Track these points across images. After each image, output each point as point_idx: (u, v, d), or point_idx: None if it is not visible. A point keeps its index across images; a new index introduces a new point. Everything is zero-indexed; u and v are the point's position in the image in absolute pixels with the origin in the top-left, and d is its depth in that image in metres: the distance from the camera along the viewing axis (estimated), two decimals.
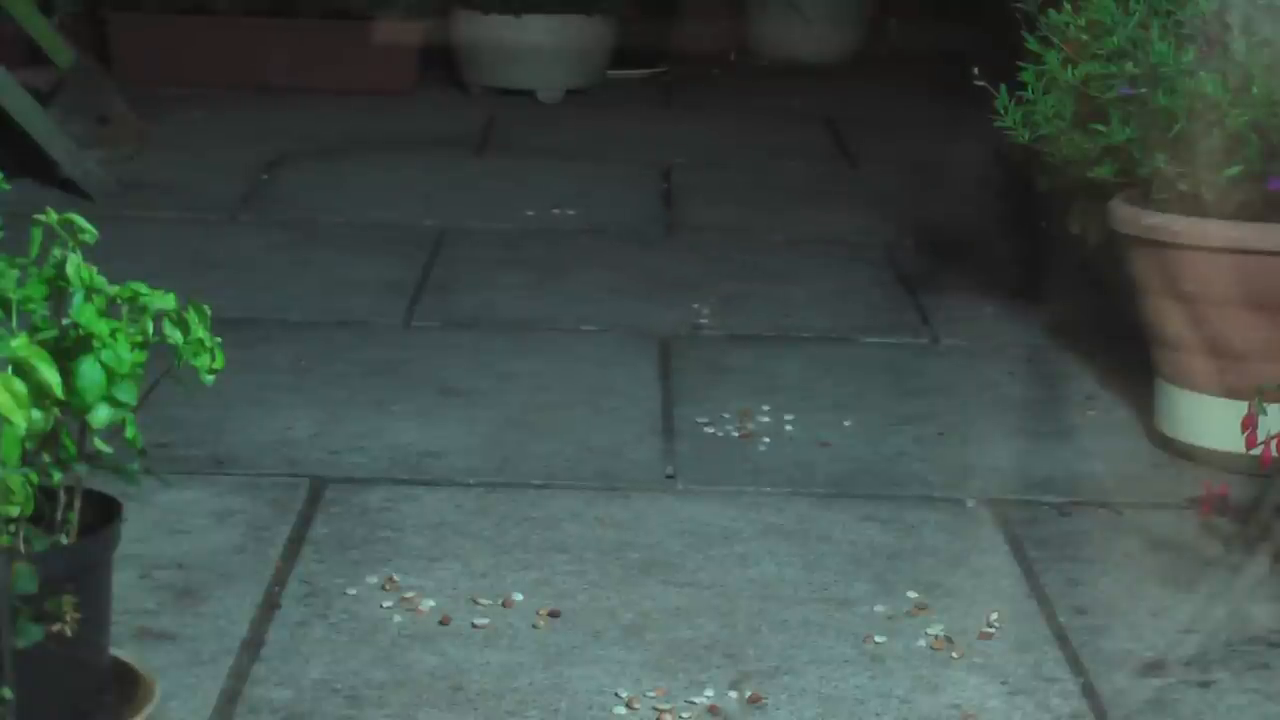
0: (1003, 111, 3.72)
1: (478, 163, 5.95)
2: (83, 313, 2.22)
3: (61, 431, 2.23)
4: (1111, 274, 3.80)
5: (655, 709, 2.53)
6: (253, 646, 2.69)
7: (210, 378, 2.30)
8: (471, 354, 4.00)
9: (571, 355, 4.03)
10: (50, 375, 2.13)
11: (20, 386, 2.08)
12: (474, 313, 4.31)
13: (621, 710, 2.53)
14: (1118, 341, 3.91)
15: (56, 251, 2.27)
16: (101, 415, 2.21)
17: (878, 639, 2.76)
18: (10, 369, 2.11)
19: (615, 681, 2.61)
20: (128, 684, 2.35)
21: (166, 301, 2.28)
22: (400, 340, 4.11)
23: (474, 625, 2.76)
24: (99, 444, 2.25)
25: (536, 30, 6.91)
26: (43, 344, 2.17)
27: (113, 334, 2.21)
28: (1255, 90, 3.39)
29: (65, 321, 2.23)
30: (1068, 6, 3.72)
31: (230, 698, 2.54)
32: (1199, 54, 3.46)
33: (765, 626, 2.79)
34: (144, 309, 2.26)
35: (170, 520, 3.09)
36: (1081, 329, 4.19)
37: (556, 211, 5.21)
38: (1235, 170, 3.39)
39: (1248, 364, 3.39)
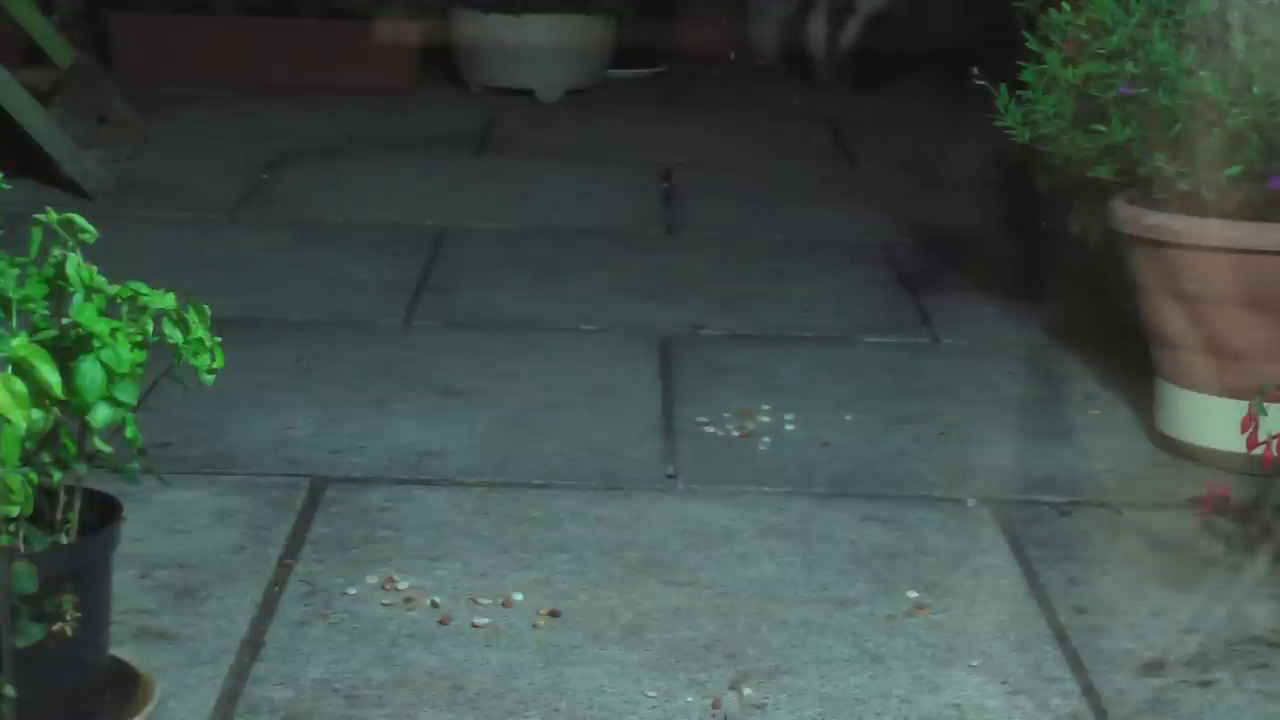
0: (1003, 111, 3.72)
1: (478, 163, 5.95)
2: (83, 312, 2.22)
3: (61, 431, 2.23)
4: (1112, 274, 3.79)
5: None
6: (253, 646, 2.68)
7: (210, 377, 2.30)
8: (471, 354, 4.00)
9: (571, 355, 4.03)
10: (50, 375, 2.13)
11: (20, 386, 2.08)
12: (474, 312, 4.31)
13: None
14: (1118, 341, 3.90)
15: (56, 251, 2.27)
16: (101, 415, 2.21)
17: (878, 639, 2.76)
18: (10, 369, 2.11)
19: (615, 681, 2.61)
20: (127, 684, 2.35)
21: (166, 301, 2.28)
22: (400, 340, 4.11)
23: (474, 625, 2.76)
24: (99, 444, 2.25)
25: (536, 30, 6.91)
26: (43, 344, 2.17)
27: (113, 334, 2.21)
28: (1255, 90, 3.39)
29: (65, 321, 2.23)
30: (1067, 6, 3.72)
31: (230, 697, 2.54)
32: (1199, 54, 3.46)
33: (765, 626, 2.79)
34: (144, 309, 2.26)
35: (170, 520, 3.09)
36: (1081, 329, 4.19)
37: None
38: (1235, 170, 3.38)
39: (1248, 364, 3.38)
